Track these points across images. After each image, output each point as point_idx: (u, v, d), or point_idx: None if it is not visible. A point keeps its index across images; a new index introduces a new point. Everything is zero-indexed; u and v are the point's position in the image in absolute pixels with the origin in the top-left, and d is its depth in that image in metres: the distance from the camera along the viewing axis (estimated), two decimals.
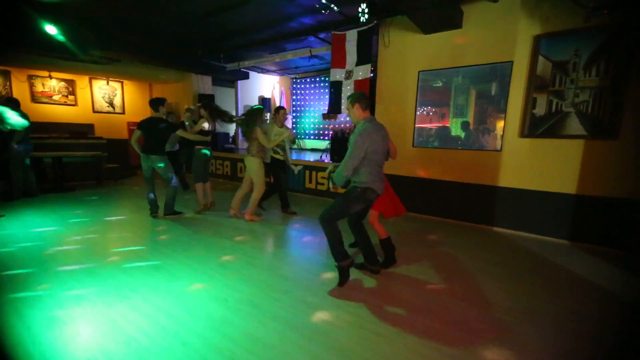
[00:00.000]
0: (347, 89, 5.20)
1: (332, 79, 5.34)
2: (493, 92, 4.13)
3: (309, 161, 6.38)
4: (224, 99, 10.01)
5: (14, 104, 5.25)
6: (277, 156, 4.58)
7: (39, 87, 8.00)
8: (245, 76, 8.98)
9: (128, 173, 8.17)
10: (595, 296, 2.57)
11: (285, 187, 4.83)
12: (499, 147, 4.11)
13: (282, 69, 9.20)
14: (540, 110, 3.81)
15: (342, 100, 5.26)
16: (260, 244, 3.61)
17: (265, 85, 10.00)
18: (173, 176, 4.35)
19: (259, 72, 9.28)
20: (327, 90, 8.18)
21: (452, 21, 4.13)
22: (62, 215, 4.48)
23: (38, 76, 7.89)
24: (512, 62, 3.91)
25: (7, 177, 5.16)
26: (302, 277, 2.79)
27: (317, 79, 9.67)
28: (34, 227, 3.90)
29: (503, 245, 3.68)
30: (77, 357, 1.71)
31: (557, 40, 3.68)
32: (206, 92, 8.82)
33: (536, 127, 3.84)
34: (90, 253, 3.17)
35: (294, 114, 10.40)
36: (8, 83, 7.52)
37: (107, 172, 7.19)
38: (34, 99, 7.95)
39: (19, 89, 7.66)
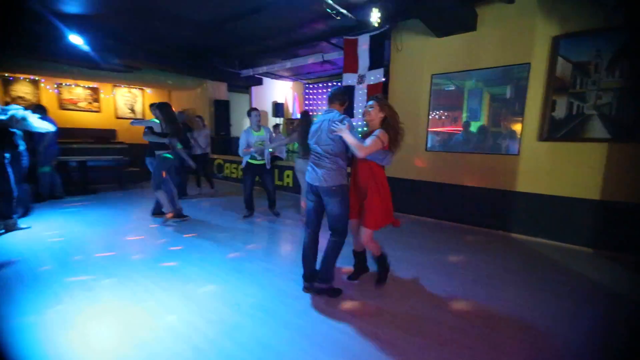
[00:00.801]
0: (360, 94, 5.12)
1: (344, 83, 5.26)
2: (509, 95, 3.96)
3: None
4: (239, 105, 10.09)
5: (42, 111, 5.41)
6: (253, 161, 4.43)
7: (65, 95, 8.25)
8: (259, 82, 9.02)
9: (148, 176, 8.28)
10: (621, 306, 2.38)
11: (271, 190, 4.68)
12: (516, 151, 3.93)
13: (295, 75, 9.20)
14: (560, 112, 3.62)
15: (355, 105, 5.17)
16: (274, 248, 3.55)
17: (279, 91, 10.02)
18: (155, 180, 4.30)
19: (272, 78, 9.31)
20: None
21: (466, 24, 3.99)
22: (84, 216, 4.56)
23: (65, 84, 8.13)
24: (529, 64, 3.74)
25: (35, 180, 5.30)
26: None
27: (330, 84, 9.62)
28: (57, 228, 3.96)
29: (522, 252, 3.49)
30: None
31: (578, 41, 3.49)
32: (222, 98, 8.90)
33: (556, 130, 3.65)
34: (108, 255, 3.17)
35: None
36: (37, 91, 7.78)
37: (128, 175, 7.32)
38: (62, 105, 8.20)
39: (48, 96, 7.92)
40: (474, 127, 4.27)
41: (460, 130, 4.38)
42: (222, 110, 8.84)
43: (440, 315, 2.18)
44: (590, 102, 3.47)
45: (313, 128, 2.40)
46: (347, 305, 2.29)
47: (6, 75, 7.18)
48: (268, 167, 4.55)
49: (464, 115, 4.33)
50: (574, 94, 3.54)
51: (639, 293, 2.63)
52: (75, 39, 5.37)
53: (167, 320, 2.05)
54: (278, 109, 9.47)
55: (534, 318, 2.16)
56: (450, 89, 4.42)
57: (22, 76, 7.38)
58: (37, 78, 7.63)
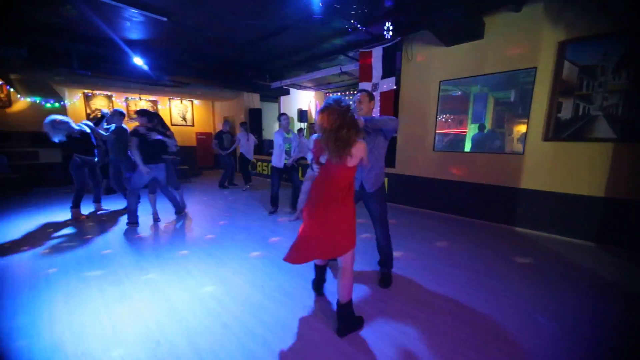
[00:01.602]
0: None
1: None
2: (514, 98, 3.60)
3: None
4: (270, 112, 10.12)
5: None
6: (287, 161, 4.18)
7: (132, 107, 8.64)
8: (286, 92, 8.95)
9: (196, 173, 8.58)
10: (621, 299, 2.08)
11: (298, 186, 4.24)
12: (521, 151, 3.58)
13: (317, 85, 9.04)
14: (565, 114, 3.23)
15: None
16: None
17: (303, 100, 9.93)
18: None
19: (297, 89, 9.22)
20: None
21: (474, 33, 3.66)
22: (145, 207, 4.72)
23: (131, 98, 8.52)
24: (535, 68, 3.37)
25: (108, 176, 5.58)
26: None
27: (347, 93, 9.39)
28: (123, 218, 4.13)
29: (525, 245, 3.17)
30: (135, 331, 1.69)
31: (584, 45, 3.09)
32: (255, 107, 8.95)
33: (561, 130, 3.27)
34: (158, 237, 3.25)
35: None
36: (111, 104, 8.21)
37: (180, 172, 7.57)
38: (129, 116, 8.61)
39: (118, 108, 8.34)
40: (479, 128, 3.94)
41: (465, 132, 4.07)
42: (255, 117, 8.91)
43: (445, 304, 2.00)
44: (596, 103, 3.07)
45: None
46: (359, 290, 2.17)
47: (86, 91, 7.63)
48: (295, 165, 4.35)
49: (470, 118, 4.01)
50: (580, 96, 3.15)
51: (637, 284, 2.29)
52: (138, 61, 5.54)
53: (202, 299, 2.04)
54: (302, 115, 9.40)
55: (539, 311, 1.93)
56: (457, 94, 4.10)
57: (98, 92, 7.82)
58: (110, 93, 8.06)
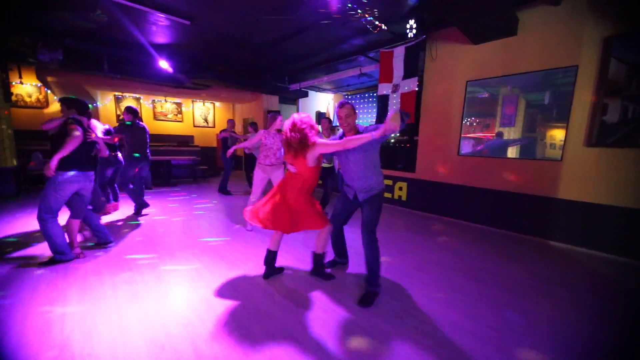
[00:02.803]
0: (394, 102, 4.71)
1: (379, 93, 4.89)
2: (547, 100, 3.29)
3: None
4: (288, 114, 10.16)
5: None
6: (325, 165, 4.10)
7: (158, 109, 9.00)
8: (305, 95, 8.93)
9: (214, 173, 8.74)
10: None
11: (330, 191, 4.28)
12: (559, 157, 3.25)
13: (336, 87, 8.94)
14: (612, 117, 2.89)
15: (389, 113, 4.78)
16: (311, 243, 3.35)
17: (321, 102, 9.86)
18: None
19: (316, 91, 9.17)
20: (375, 105, 7.69)
21: (506, 29, 3.39)
22: (164, 205, 4.83)
23: (157, 100, 8.87)
24: (577, 66, 3.05)
25: None
26: (348, 281, 2.43)
27: (366, 95, 9.19)
28: (145, 214, 4.23)
29: (562, 262, 2.85)
30: (142, 334, 1.64)
31: (634, 41, 2.75)
32: (274, 109, 9.00)
33: (607, 135, 2.92)
34: (176, 240, 3.26)
35: None
36: (139, 106, 8.58)
37: (200, 172, 7.74)
38: (155, 117, 8.96)
39: (146, 110, 8.70)
40: (508, 133, 3.64)
41: (494, 136, 3.78)
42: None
43: (466, 324, 1.79)
44: None
45: None
46: (372, 306, 2.01)
47: (117, 94, 8.02)
48: (336, 170, 4.21)
49: (498, 122, 3.72)
50: (630, 97, 2.80)
51: None
52: (162, 64, 5.72)
53: (212, 303, 1.97)
54: (321, 117, 9.34)
55: (575, 339, 1.68)
56: (484, 96, 3.82)
57: (127, 94, 8.20)
58: (138, 95, 8.42)
